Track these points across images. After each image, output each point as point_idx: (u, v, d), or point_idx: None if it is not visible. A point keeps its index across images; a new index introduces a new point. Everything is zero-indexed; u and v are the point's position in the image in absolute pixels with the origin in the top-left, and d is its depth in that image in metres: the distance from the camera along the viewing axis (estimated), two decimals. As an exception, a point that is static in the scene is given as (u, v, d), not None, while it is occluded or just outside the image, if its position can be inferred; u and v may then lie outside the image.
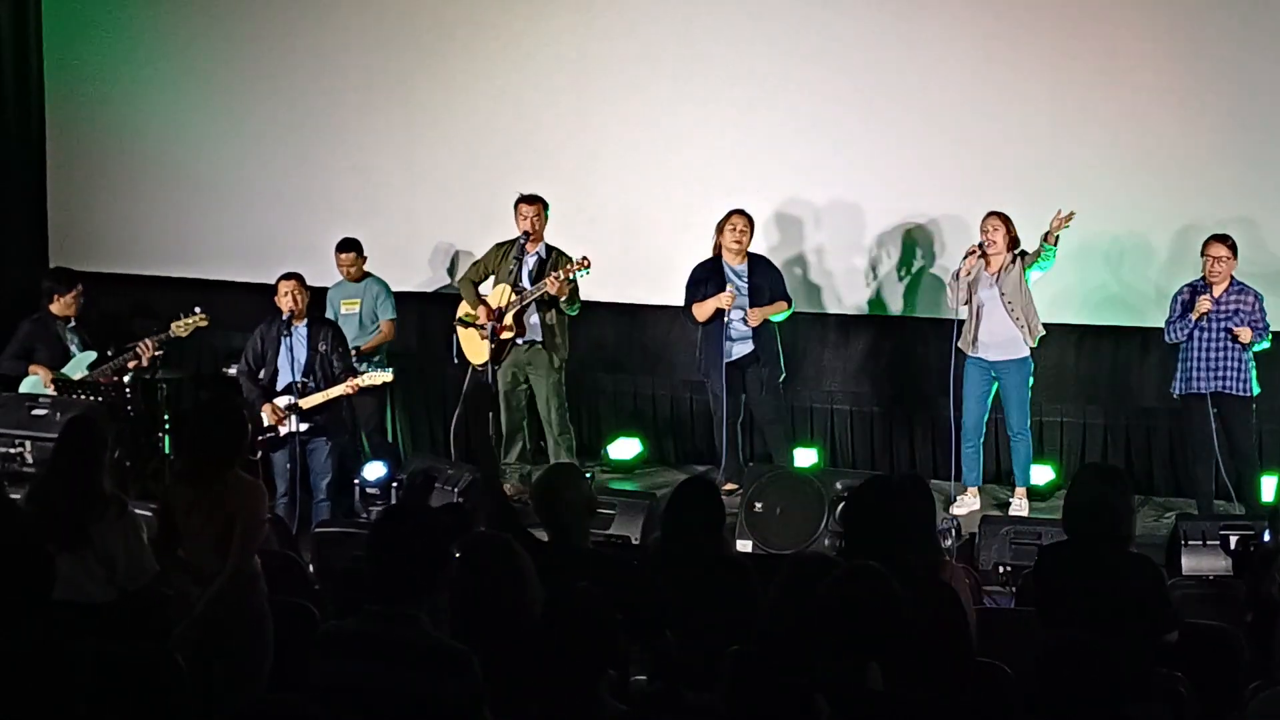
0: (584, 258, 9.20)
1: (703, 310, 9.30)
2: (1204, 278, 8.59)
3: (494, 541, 4.61)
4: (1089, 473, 5.45)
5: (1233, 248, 8.54)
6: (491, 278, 9.53)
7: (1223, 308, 8.56)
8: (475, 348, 9.45)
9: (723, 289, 9.24)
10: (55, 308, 9.78)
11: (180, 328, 9.53)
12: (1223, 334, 8.55)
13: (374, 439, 9.92)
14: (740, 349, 9.36)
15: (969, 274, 8.89)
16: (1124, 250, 9.45)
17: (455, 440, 9.70)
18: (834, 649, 3.84)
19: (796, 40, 9.91)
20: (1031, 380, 9.05)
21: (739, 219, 9.31)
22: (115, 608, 5.77)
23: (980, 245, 8.86)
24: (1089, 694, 3.63)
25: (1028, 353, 8.99)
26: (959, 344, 9.07)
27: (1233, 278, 8.58)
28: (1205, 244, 8.61)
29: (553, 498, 5.26)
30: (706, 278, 9.33)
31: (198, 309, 9.59)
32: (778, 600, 4.35)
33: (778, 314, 9.34)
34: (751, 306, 9.28)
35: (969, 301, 8.96)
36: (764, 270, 9.38)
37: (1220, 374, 8.58)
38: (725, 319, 9.25)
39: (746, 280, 9.31)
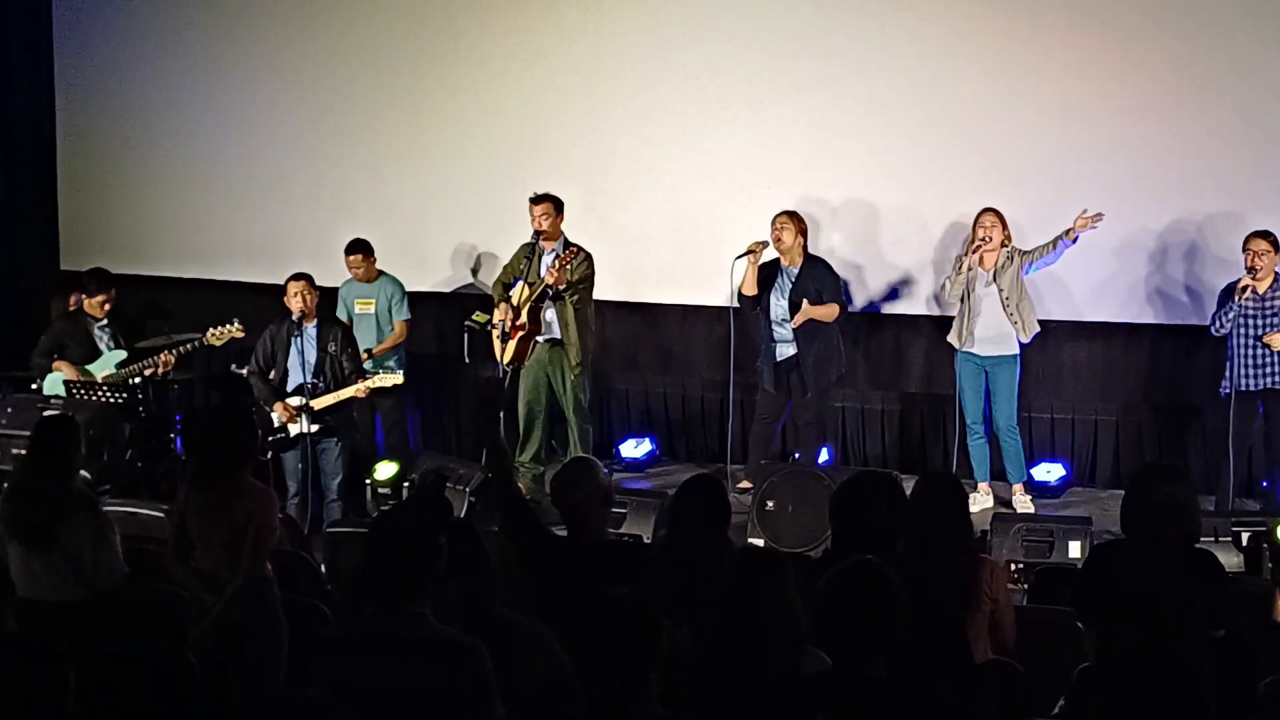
0: (576, 247, 9.22)
1: (744, 284, 9.26)
2: (1249, 273, 8.43)
3: None
4: (1151, 471, 5.22)
5: (1274, 243, 8.42)
6: (519, 279, 9.54)
7: (1267, 304, 8.45)
8: (500, 347, 9.47)
9: (770, 286, 9.29)
10: (86, 307, 9.82)
11: (215, 336, 9.50)
12: (1269, 330, 8.42)
13: (392, 438, 9.92)
14: (785, 350, 9.36)
15: (970, 270, 8.88)
16: (1147, 248, 9.37)
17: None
18: (843, 642, 3.82)
19: (808, 39, 9.89)
20: (1019, 376, 9.00)
21: (777, 219, 9.31)
22: (85, 606, 5.85)
23: (980, 243, 8.84)
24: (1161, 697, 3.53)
25: (1018, 349, 8.97)
26: (949, 338, 9.08)
27: (1276, 273, 8.47)
28: (1246, 240, 8.49)
29: (572, 490, 5.27)
30: (765, 277, 9.33)
31: (236, 321, 9.54)
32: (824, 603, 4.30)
33: (825, 316, 9.23)
34: (791, 309, 9.25)
35: (964, 298, 8.95)
36: (815, 273, 9.31)
37: (1269, 371, 8.48)
38: (770, 320, 9.30)
39: (793, 281, 9.28)
